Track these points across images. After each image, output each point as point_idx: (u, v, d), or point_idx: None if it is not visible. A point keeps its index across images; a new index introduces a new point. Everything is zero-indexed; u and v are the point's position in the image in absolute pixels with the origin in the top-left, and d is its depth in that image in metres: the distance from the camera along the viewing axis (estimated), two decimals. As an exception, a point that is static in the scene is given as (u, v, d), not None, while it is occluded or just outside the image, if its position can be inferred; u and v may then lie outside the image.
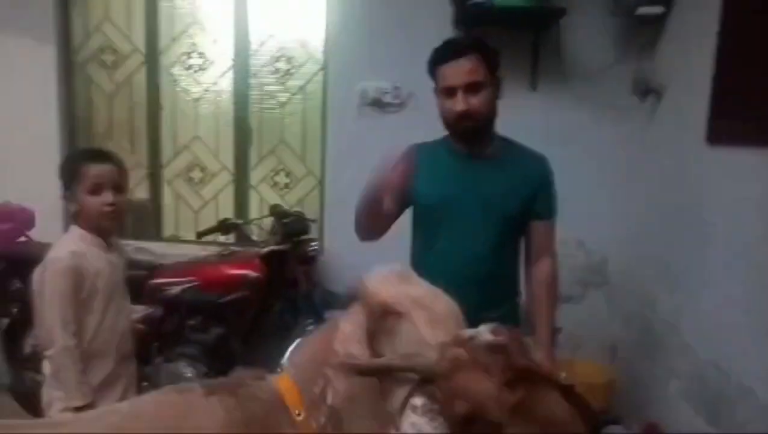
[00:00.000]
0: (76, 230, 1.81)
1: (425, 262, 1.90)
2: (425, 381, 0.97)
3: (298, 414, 1.20)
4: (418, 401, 0.92)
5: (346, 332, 1.25)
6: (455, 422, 0.89)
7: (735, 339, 1.85)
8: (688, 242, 2.23)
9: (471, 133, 1.79)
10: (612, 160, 3.05)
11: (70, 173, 1.78)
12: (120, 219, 1.86)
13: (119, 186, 1.82)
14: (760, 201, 1.76)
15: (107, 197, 1.76)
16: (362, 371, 0.99)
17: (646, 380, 2.59)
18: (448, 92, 1.76)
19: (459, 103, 1.73)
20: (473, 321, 1.76)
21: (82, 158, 1.82)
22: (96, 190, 1.76)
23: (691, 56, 2.29)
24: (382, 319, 1.18)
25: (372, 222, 1.88)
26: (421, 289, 1.24)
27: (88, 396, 1.68)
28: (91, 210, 1.77)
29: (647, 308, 2.59)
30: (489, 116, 1.79)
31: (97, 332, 1.78)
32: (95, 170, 1.76)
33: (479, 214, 1.81)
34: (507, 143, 1.90)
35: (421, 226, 1.92)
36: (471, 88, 1.73)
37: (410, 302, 1.17)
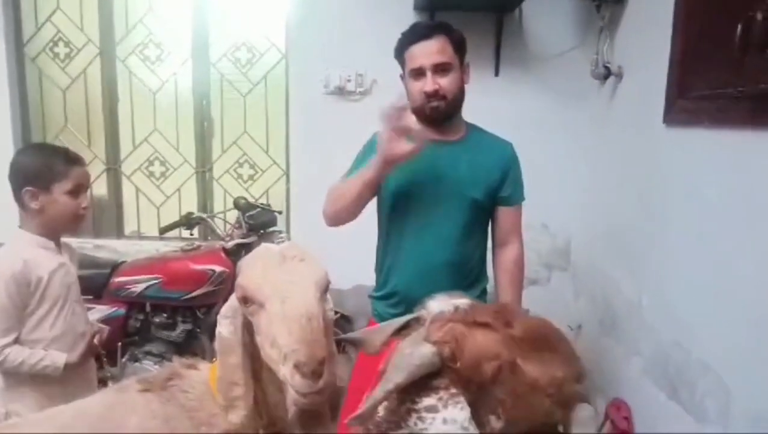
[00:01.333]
0: (25, 235, 1.74)
1: (393, 249, 1.90)
2: (418, 383, 0.88)
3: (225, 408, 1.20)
4: (430, 400, 0.85)
5: (220, 314, 1.20)
6: (485, 386, 0.86)
7: (694, 317, 1.89)
8: (649, 223, 2.27)
9: (439, 114, 1.79)
10: (573, 143, 3.09)
11: (50, 171, 1.72)
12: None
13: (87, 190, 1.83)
14: (717, 181, 1.80)
15: (84, 199, 1.77)
16: (367, 415, 0.92)
17: (610, 359, 2.64)
18: (417, 73, 1.77)
19: (428, 84, 1.74)
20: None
21: (63, 158, 1.77)
22: (77, 191, 1.75)
23: (649, 39, 2.31)
24: (247, 305, 1.11)
25: (357, 204, 1.80)
26: (287, 275, 1.09)
27: (61, 358, 1.70)
28: (68, 211, 1.74)
29: (611, 290, 2.64)
30: (457, 97, 1.80)
31: (56, 339, 1.74)
32: (79, 172, 1.76)
33: (447, 199, 1.81)
34: (473, 129, 1.91)
35: (388, 212, 1.91)
36: (439, 68, 1.74)
37: (269, 292, 1.06)
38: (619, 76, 2.63)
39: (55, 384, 1.72)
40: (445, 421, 0.83)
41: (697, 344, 1.86)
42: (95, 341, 1.88)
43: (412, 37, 1.79)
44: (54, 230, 1.77)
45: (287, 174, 3.41)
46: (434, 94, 1.75)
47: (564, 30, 3.04)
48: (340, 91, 3.15)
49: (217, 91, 3.42)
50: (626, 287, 2.47)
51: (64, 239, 1.86)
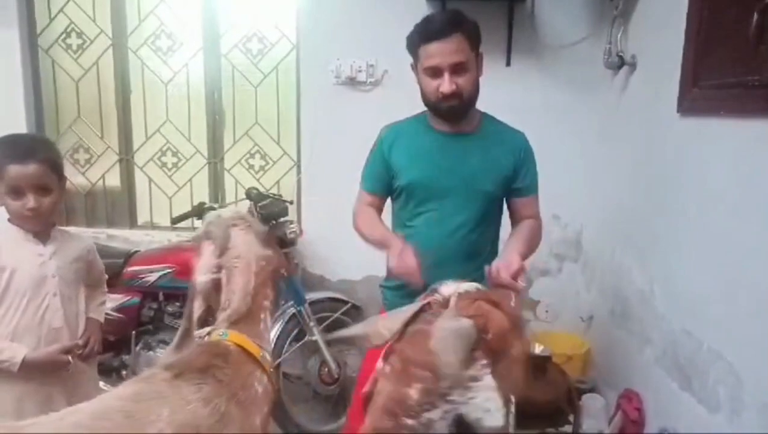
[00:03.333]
0: (5, 223, 1.71)
1: (408, 235, 1.91)
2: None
3: (262, 356, 1.40)
4: (473, 370, 0.90)
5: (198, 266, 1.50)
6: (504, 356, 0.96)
7: (705, 305, 1.89)
8: (661, 212, 2.26)
9: (456, 112, 1.78)
10: (586, 133, 3.07)
11: None
12: (43, 220, 1.73)
13: (44, 187, 1.68)
14: (730, 171, 1.78)
15: (28, 201, 1.65)
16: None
17: (622, 349, 2.64)
18: (433, 72, 1.74)
19: (446, 85, 1.71)
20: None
21: (2, 154, 1.65)
22: (16, 192, 1.65)
23: (663, 27, 2.29)
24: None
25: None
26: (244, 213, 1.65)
27: (21, 353, 1.62)
28: (12, 212, 1.68)
29: (622, 280, 2.64)
30: (473, 94, 1.78)
31: (14, 335, 1.67)
32: (17, 171, 1.63)
33: (459, 191, 1.82)
34: (486, 119, 1.90)
35: (401, 204, 1.92)
36: (457, 68, 1.71)
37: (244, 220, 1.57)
38: (633, 65, 2.61)
39: (22, 381, 1.65)
40: (487, 388, 0.89)
41: (708, 333, 1.86)
42: (86, 341, 1.83)
43: (427, 34, 1.73)
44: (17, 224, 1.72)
45: (298, 165, 3.42)
46: (452, 95, 1.73)
47: (577, 19, 3.00)
48: (351, 82, 3.15)
49: (229, 81, 3.43)
50: (637, 277, 2.46)
51: (75, 230, 1.85)
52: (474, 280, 1.79)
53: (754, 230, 1.63)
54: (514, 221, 1.93)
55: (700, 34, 2.00)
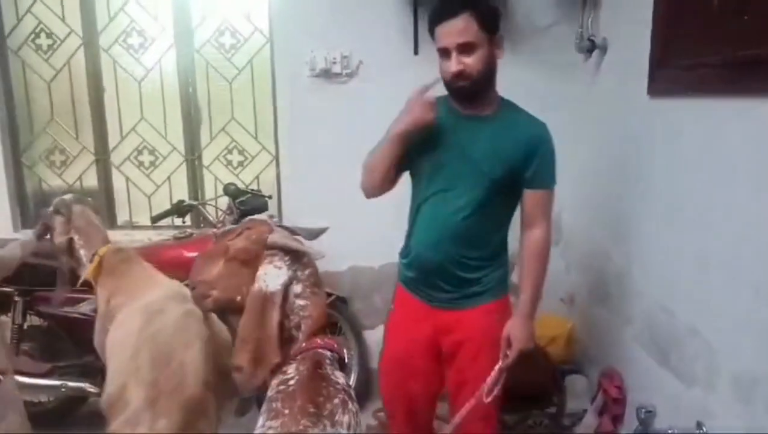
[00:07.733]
0: None
1: (416, 216, 1.93)
2: None
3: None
4: None
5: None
6: None
7: (680, 281, 1.93)
8: (635, 193, 2.30)
9: (466, 93, 1.79)
10: (560, 117, 3.03)
11: None
12: None
13: None
14: (699, 150, 1.82)
15: None
16: None
17: (602, 328, 2.69)
18: (444, 53, 1.77)
19: (453, 65, 1.74)
20: (453, 277, 1.87)
21: None
22: None
23: (632, 10, 2.32)
24: None
25: (390, 170, 1.86)
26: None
27: None
28: None
29: (601, 261, 2.68)
30: (484, 75, 1.77)
31: None
32: None
33: (464, 173, 1.81)
34: (507, 106, 1.89)
35: (415, 181, 1.94)
36: (464, 48, 1.72)
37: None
38: (604, 49, 2.64)
39: None
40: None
41: (683, 308, 1.90)
42: None
43: (439, 14, 1.76)
44: None
45: (276, 159, 3.41)
46: (459, 75, 1.74)
47: (548, 4, 3.02)
48: (326, 74, 3.13)
49: (203, 77, 3.40)
50: (615, 257, 2.50)
51: None
52: (478, 262, 1.86)
53: (724, 207, 1.67)
54: (522, 212, 1.89)
55: (666, 17, 2.03)
